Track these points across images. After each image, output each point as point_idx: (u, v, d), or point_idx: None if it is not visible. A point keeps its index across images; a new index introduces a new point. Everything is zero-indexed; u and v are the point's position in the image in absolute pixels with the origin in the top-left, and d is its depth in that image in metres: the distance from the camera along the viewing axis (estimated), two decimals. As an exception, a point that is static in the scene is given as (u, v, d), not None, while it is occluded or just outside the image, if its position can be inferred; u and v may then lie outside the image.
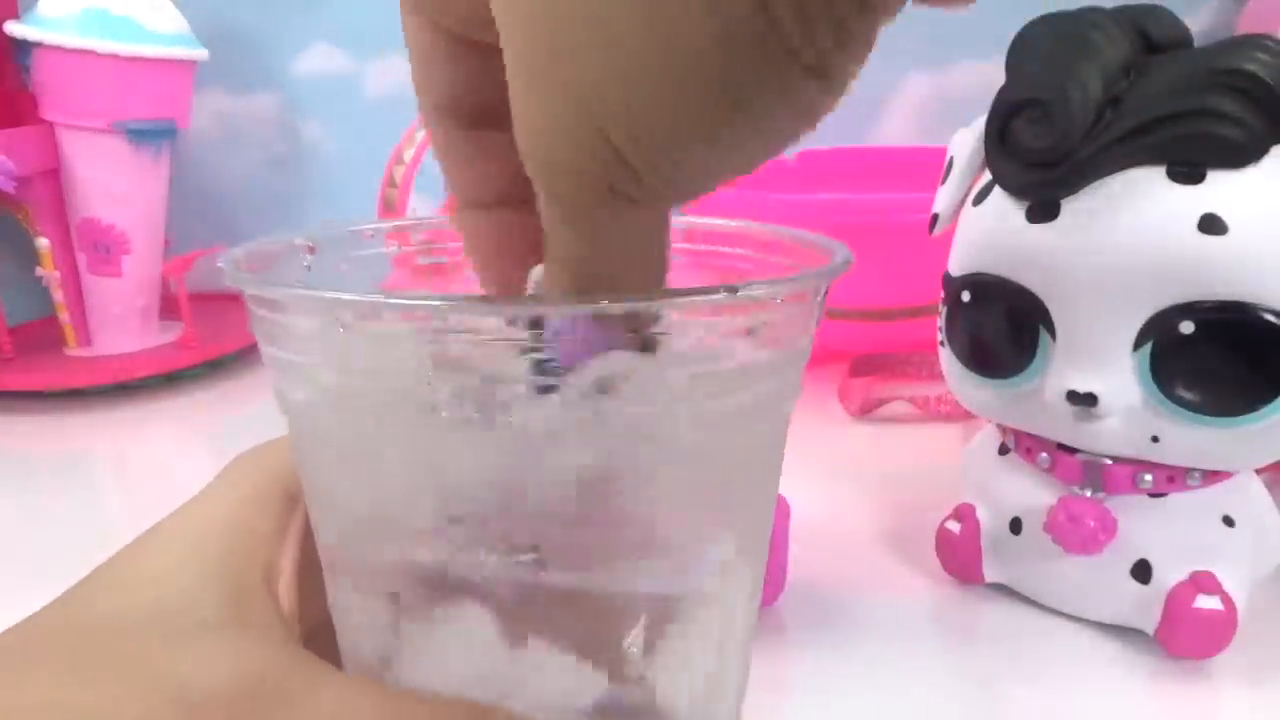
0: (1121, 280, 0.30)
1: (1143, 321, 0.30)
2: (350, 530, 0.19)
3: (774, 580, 0.36)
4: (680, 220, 0.23)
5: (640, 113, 0.13)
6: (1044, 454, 0.35)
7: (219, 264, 0.18)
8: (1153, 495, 0.33)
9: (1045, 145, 0.31)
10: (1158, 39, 0.31)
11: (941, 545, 0.38)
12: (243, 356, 0.67)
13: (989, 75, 0.33)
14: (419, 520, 0.18)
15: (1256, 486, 0.34)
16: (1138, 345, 0.31)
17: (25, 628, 0.18)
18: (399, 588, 0.18)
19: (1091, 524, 0.33)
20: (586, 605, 0.18)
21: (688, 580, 0.19)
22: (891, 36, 0.13)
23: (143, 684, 0.16)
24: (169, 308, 0.69)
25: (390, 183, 0.52)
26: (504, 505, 0.17)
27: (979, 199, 0.35)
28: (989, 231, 0.34)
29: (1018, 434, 0.36)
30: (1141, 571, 0.33)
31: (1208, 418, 0.30)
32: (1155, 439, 0.31)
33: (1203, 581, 0.32)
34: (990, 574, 0.37)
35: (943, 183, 0.38)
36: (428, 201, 0.62)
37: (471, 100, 0.18)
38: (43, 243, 0.64)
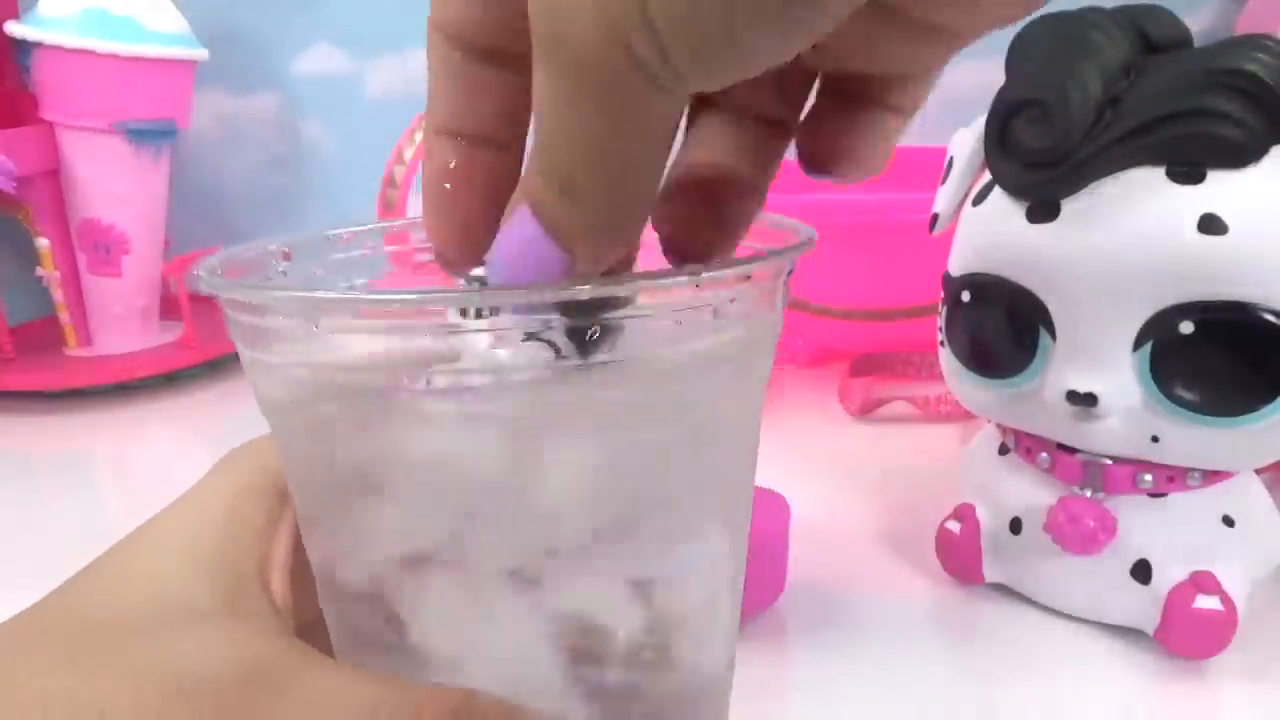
0: (1121, 280, 0.30)
1: (1143, 321, 0.30)
2: (337, 528, 0.19)
3: (774, 580, 0.36)
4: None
5: None
6: (1044, 454, 0.35)
7: (195, 272, 0.18)
8: (1152, 495, 0.33)
9: (1045, 145, 0.31)
10: (1158, 39, 0.31)
11: (941, 545, 0.38)
12: (243, 356, 0.66)
13: (989, 75, 0.33)
14: (405, 518, 0.18)
15: (1256, 486, 0.34)
16: (1138, 345, 0.31)
17: (21, 620, 0.18)
18: (384, 578, 0.18)
19: (1091, 524, 0.33)
20: (577, 591, 0.18)
21: (670, 560, 0.19)
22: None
23: (136, 673, 0.16)
24: (169, 308, 0.69)
25: (390, 183, 0.52)
26: (491, 503, 0.17)
27: (979, 199, 0.35)
28: (989, 231, 0.34)
29: (1018, 434, 0.36)
30: (1141, 571, 0.33)
31: (1208, 418, 0.30)
32: (1155, 439, 0.31)
33: (1202, 581, 0.32)
34: (990, 574, 0.37)
35: (942, 183, 0.38)
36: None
37: (485, 38, 0.18)
38: (43, 243, 0.64)
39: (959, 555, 0.37)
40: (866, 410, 0.55)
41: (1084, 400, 0.31)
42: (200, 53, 0.65)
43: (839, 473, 0.48)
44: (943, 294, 0.37)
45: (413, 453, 0.17)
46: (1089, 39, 0.30)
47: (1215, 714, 0.32)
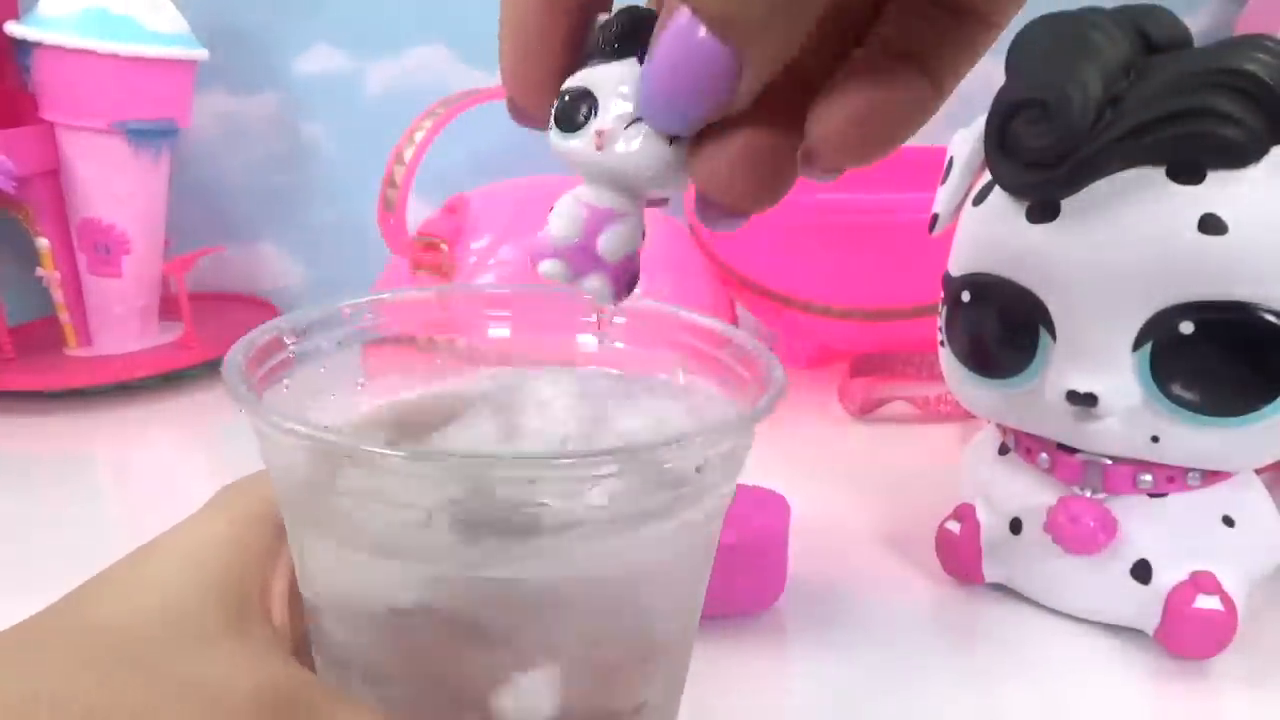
0: (1121, 280, 0.30)
1: (1143, 321, 0.30)
2: (327, 588, 0.21)
3: (774, 580, 0.36)
4: (624, 307, 0.24)
5: None
6: (1044, 454, 0.35)
7: (222, 370, 0.20)
8: (1153, 495, 0.33)
9: (1045, 145, 0.31)
10: (1158, 39, 0.31)
11: (941, 545, 0.38)
12: (243, 356, 0.66)
13: (989, 75, 0.33)
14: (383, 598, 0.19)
15: (1256, 486, 0.34)
16: (1137, 345, 0.31)
17: (31, 624, 0.18)
18: (370, 630, 0.20)
19: (1091, 524, 0.33)
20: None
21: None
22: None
23: (172, 687, 0.16)
24: (169, 308, 0.68)
25: (390, 183, 0.52)
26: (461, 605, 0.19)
27: (979, 199, 0.35)
28: (989, 231, 0.34)
29: (1018, 434, 0.36)
30: (1141, 571, 0.33)
31: (1207, 418, 0.30)
32: (1155, 439, 0.31)
33: (1202, 581, 0.32)
34: (990, 574, 0.37)
35: (943, 183, 0.38)
36: (428, 202, 0.62)
37: None
38: (43, 243, 0.64)
39: (959, 555, 0.37)
40: (866, 410, 0.55)
41: (1084, 400, 0.31)
42: (200, 53, 0.65)
43: (839, 473, 0.48)
44: (943, 294, 0.37)
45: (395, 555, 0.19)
46: (1089, 39, 0.30)
47: (1215, 714, 0.32)
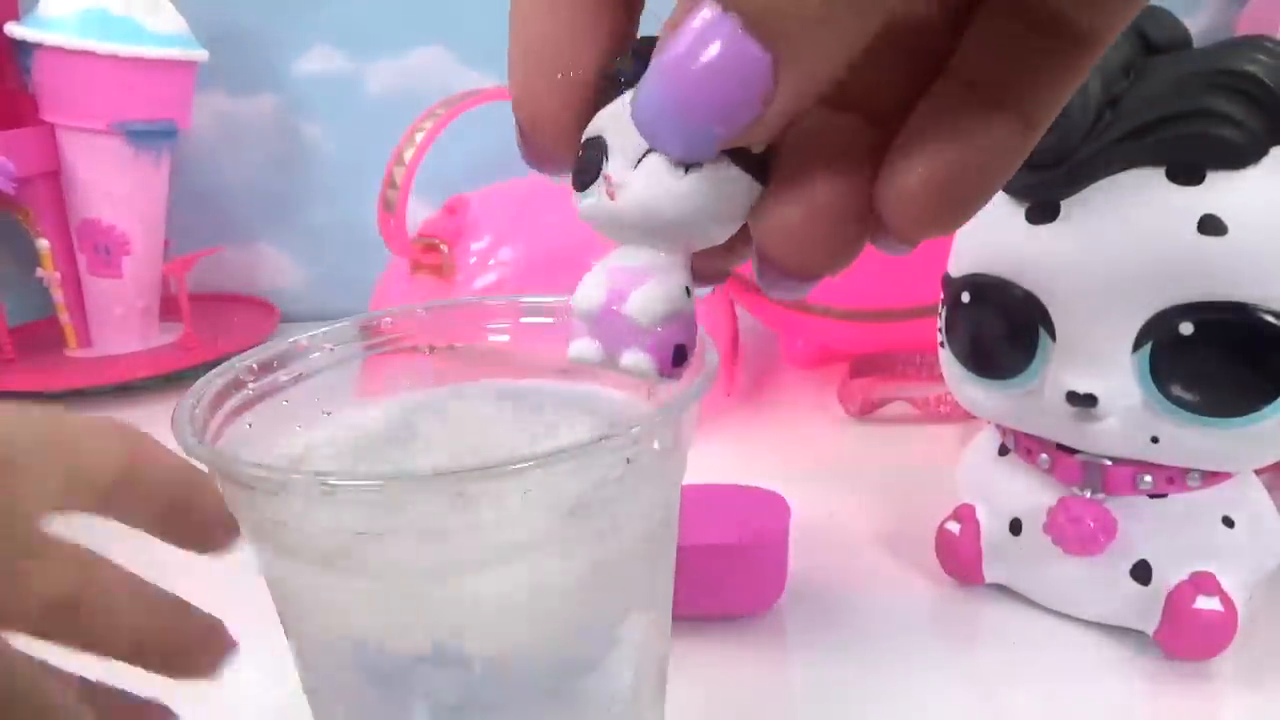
0: (1121, 281, 0.30)
1: (1142, 322, 0.30)
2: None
3: (774, 581, 0.36)
4: None
5: None
6: (1044, 455, 0.35)
7: (173, 416, 0.20)
8: (1152, 496, 0.33)
9: (1045, 146, 0.31)
10: (1157, 39, 0.31)
11: (941, 546, 0.38)
12: (243, 357, 0.66)
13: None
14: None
15: (1256, 487, 0.34)
16: (1137, 346, 0.31)
17: None
18: (353, 676, 0.21)
19: (1091, 525, 0.33)
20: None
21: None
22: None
23: None
24: (169, 308, 0.69)
25: (390, 183, 0.52)
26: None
27: (979, 199, 0.35)
28: (989, 232, 0.34)
29: (1017, 434, 0.36)
30: (1141, 572, 0.33)
31: (1207, 418, 0.30)
32: (1155, 440, 0.31)
33: (1202, 582, 0.32)
34: (990, 574, 0.37)
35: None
36: (428, 203, 0.62)
37: None
38: (43, 244, 0.64)
39: (959, 556, 0.37)
40: (866, 411, 0.55)
41: (1084, 401, 0.31)
42: (200, 53, 0.65)
43: (839, 473, 0.48)
44: (943, 294, 0.37)
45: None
46: (1088, 40, 0.30)
47: (1215, 714, 0.32)
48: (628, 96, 0.13)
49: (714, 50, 0.11)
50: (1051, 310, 0.32)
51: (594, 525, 0.19)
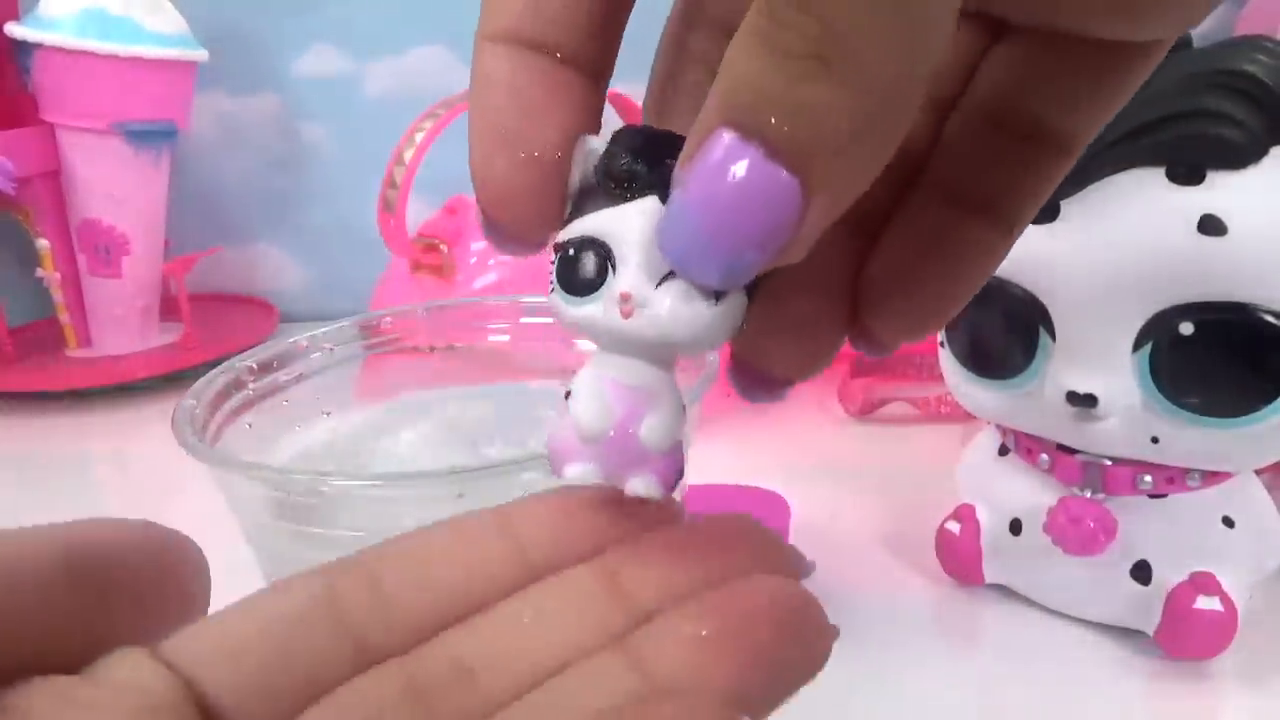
0: (1121, 281, 0.30)
1: (1142, 322, 0.30)
2: None
3: (774, 581, 0.36)
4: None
5: None
6: (1044, 455, 0.35)
7: (173, 416, 0.20)
8: (1152, 496, 0.33)
9: (1045, 146, 0.31)
10: (1157, 40, 0.31)
11: (941, 546, 0.38)
12: (243, 357, 0.66)
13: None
14: None
15: (1256, 487, 0.34)
16: (1137, 346, 0.31)
17: None
18: None
19: (1091, 525, 0.33)
20: None
21: None
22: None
23: None
24: (169, 308, 0.69)
25: (390, 183, 0.52)
26: None
27: (979, 200, 0.35)
28: (989, 232, 0.34)
29: (1017, 434, 0.36)
30: (1141, 572, 0.33)
31: (1207, 419, 0.30)
32: (1155, 440, 0.31)
33: (1202, 582, 0.32)
34: (990, 575, 0.37)
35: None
36: (428, 203, 0.62)
37: None
38: (43, 244, 0.64)
39: (959, 556, 0.37)
40: (866, 411, 0.55)
41: (1084, 401, 0.31)
42: (200, 53, 0.65)
43: (839, 473, 0.48)
44: (942, 295, 0.37)
45: None
46: (1088, 40, 0.30)
47: (1215, 714, 0.32)
48: (643, 205, 0.13)
49: (743, 178, 0.11)
50: (1051, 310, 0.32)
51: None
